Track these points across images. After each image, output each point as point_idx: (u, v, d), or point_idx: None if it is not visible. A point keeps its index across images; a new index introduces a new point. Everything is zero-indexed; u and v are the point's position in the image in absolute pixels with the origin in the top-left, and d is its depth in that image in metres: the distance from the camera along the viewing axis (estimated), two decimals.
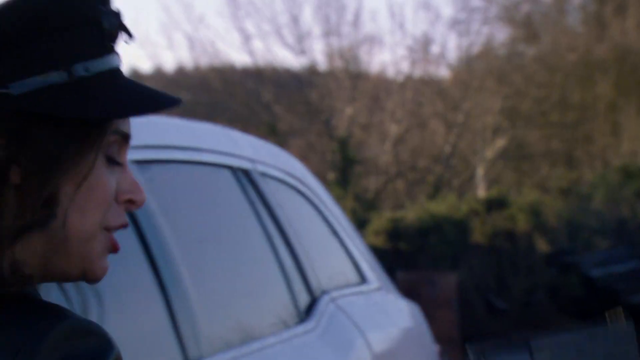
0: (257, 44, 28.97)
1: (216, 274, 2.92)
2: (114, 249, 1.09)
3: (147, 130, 2.84)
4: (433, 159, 18.06)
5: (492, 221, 12.08)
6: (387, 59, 33.11)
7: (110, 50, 1.09)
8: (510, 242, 12.24)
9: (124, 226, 1.10)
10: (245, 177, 3.21)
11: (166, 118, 3.12)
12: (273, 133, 16.80)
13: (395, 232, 11.46)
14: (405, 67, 18.26)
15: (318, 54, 22.28)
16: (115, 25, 1.10)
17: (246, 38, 17.13)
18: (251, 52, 17.18)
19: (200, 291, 2.68)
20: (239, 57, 31.51)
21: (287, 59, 30.35)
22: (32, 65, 1.05)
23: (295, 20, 17.12)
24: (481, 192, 16.00)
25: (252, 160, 3.29)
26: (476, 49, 17.92)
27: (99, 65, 1.08)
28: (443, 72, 19.00)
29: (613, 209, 13.48)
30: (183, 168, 2.91)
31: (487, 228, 11.99)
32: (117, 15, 1.10)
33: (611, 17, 15.78)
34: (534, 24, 16.88)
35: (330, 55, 17.77)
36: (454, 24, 17.52)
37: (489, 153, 17.00)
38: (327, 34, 17.46)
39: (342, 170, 16.38)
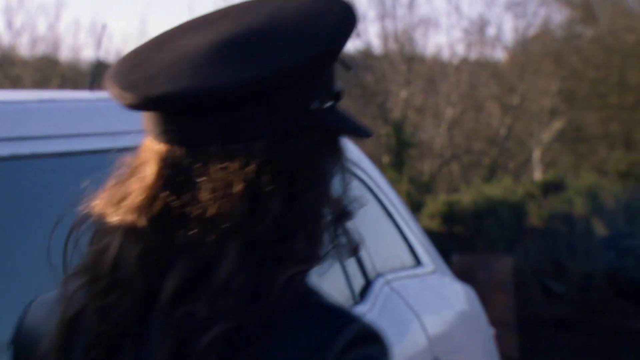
0: None
1: None
2: None
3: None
4: (488, 141, 17.94)
5: (549, 204, 11.98)
6: (442, 41, 32.92)
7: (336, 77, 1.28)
8: (568, 226, 12.12)
9: None
10: None
11: None
12: None
13: (451, 216, 11.42)
14: (460, 49, 18.18)
15: (373, 37, 22.23)
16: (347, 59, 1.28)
17: None
18: None
19: None
20: None
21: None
22: (321, 91, 1.22)
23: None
24: (537, 175, 15.86)
25: None
26: (533, 31, 17.75)
27: (338, 87, 1.26)
28: (499, 55, 18.85)
29: None
30: None
31: (544, 211, 11.89)
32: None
33: None
34: (592, 5, 16.67)
35: (385, 38, 17.71)
36: (511, 5, 17.37)
37: (546, 136, 16.84)
38: (382, 16, 17.41)
39: (397, 154, 16.34)
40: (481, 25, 17.51)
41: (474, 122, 18.51)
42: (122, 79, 1.21)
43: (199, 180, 1.17)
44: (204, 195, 1.16)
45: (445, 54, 18.77)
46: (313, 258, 1.19)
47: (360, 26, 17.51)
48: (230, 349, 1.13)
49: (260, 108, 1.18)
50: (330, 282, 3.19)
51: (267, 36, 1.20)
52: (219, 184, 1.16)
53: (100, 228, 1.23)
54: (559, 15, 18.59)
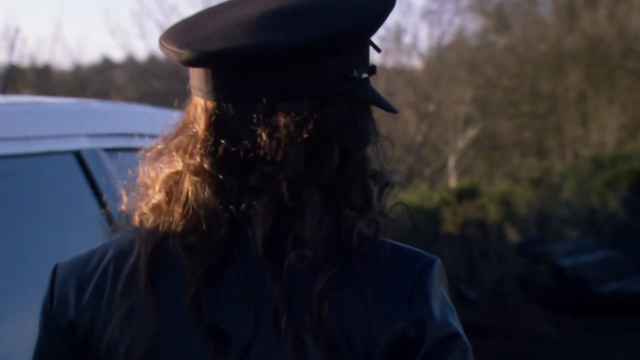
0: None
1: None
2: None
3: (118, 119, 2.83)
4: (405, 148, 18.07)
5: (463, 211, 12.10)
6: None
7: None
8: (481, 232, 12.27)
9: None
10: None
11: (137, 106, 3.10)
12: None
13: None
14: (377, 57, 18.26)
15: None
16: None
17: None
18: None
19: None
20: None
21: None
22: (360, 62, 1.33)
23: None
24: (452, 182, 16.03)
25: None
26: (448, 39, 17.93)
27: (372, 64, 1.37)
28: (415, 62, 19.02)
29: (583, 198, 13.56)
30: None
31: (458, 218, 12.00)
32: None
33: (582, 8, 15.85)
34: (505, 15, 16.93)
35: None
36: (426, 14, 17.54)
37: (461, 143, 17.04)
38: None
39: None
40: (397, 33, 17.65)
41: (390, 129, 18.63)
42: (179, 39, 1.31)
43: (256, 128, 1.27)
44: (266, 142, 1.27)
45: None
46: (374, 211, 1.32)
47: None
48: (338, 288, 1.25)
49: (306, 70, 1.28)
50: None
51: (315, 7, 1.30)
52: (281, 133, 1.27)
53: (158, 172, 1.33)
54: (473, 24, 18.83)
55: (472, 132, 16.99)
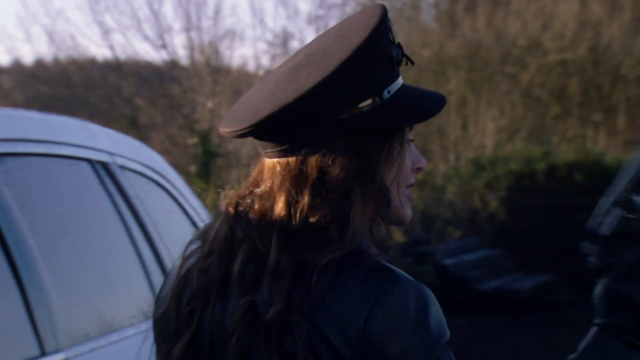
0: (118, 38, 28.54)
1: (75, 266, 2.95)
2: (410, 200, 1.58)
3: (2, 124, 2.84)
4: None
5: None
6: (248, 53, 33.12)
7: (399, 73, 1.54)
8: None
9: (414, 185, 1.58)
10: (104, 170, 3.25)
11: (23, 112, 3.13)
12: (134, 127, 16.64)
13: None
14: (265, 61, 18.35)
15: (179, 48, 22.14)
16: (400, 54, 1.53)
17: (106, 32, 16.90)
18: (111, 46, 16.98)
19: (58, 284, 2.70)
20: (99, 51, 30.96)
21: (148, 53, 30.00)
22: (357, 96, 1.49)
23: (155, 14, 17.01)
24: None
25: (111, 154, 3.32)
26: None
27: (394, 87, 1.52)
28: None
29: (465, 200, 13.91)
30: (40, 161, 2.93)
31: None
32: (399, 46, 1.53)
33: (462, 15, 16.25)
34: (389, 20, 17.19)
35: (191, 50, 17.73)
36: (313, 19, 17.72)
37: None
38: (188, 28, 17.43)
39: (204, 164, 16.37)
40: (284, 38, 17.80)
41: None
42: (225, 119, 1.59)
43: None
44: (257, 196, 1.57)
45: (251, 66, 18.93)
46: (344, 246, 1.45)
47: (166, 37, 17.47)
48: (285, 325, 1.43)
49: (297, 126, 1.49)
50: (134, 290, 3.24)
51: (313, 58, 1.50)
52: (267, 186, 1.57)
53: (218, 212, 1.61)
54: None
55: None
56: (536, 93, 15.76)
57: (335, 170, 1.48)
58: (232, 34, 17.70)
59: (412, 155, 1.57)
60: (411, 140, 1.58)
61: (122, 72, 17.52)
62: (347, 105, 1.48)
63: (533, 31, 15.94)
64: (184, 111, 17.26)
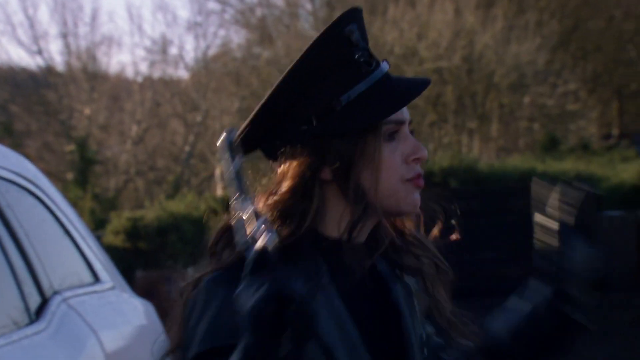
0: None
1: None
2: (418, 187, 1.59)
3: None
4: (173, 158, 18.10)
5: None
6: (126, 59, 32.72)
7: (367, 73, 1.56)
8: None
9: (419, 175, 1.59)
10: None
11: None
12: (9, 133, 16.29)
13: (135, 232, 11.44)
14: (144, 68, 18.25)
15: (55, 54, 21.74)
16: (366, 56, 1.56)
17: None
18: None
19: None
20: None
21: (23, 59, 29.40)
22: (319, 104, 1.54)
23: (30, 20, 16.69)
24: (220, 191, 16.23)
25: None
26: (213, 51, 18.13)
27: (358, 89, 1.55)
28: (182, 73, 19.08)
29: None
30: None
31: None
32: (365, 49, 1.56)
33: None
34: (268, 28, 17.27)
35: (67, 56, 17.46)
36: (191, 26, 17.69)
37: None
38: (64, 34, 17.15)
39: (81, 171, 16.14)
40: (163, 44, 17.70)
41: (158, 139, 18.61)
42: None
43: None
44: None
45: (129, 72, 18.74)
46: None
47: (42, 43, 17.14)
48: None
49: (273, 137, 1.59)
50: (4, 299, 3.19)
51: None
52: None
53: None
54: (237, 37, 19.07)
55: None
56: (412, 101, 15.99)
57: (294, 174, 1.55)
58: (110, 40, 17.53)
59: (406, 147, 1.59)
60: (411, 132, 1.61)
61: None
62: (310, 111, 1.55)
63: (409, 40, 16.22)
64: (61, 118, 16.97)
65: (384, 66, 1.59)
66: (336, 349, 1.51)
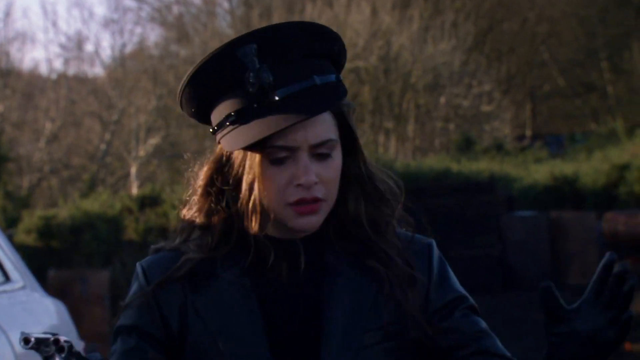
0: None
1: None
2: (302, 213, 1.60)
3: None
4: (88, 157, 17.90)
5: (145, 218, 12.19)
6: (40, 56, 32.25)
7: (253, 96, 1.58)
8: (164, 239, 12.41)
9: (303, 200, 1.59)
10: None
11: None
12: None
13: (48, 231, 11.27)
14: (58, 64, 18.01)
15: None
16: (261, 78, 1.57)
17: None
18: None
19: None
20: None
21: None
22: (216, 116, 1.61)
23: None
24: (135, 189, 16.10)
25: None
26: (130, 49, 17.98)
27: (242, 111, 1.58)
28: (98, 71, 18.89)
29: None
30: None
31: (141, 225, 12.08)
32: (260, 70, 1.57)
33: (258, 21, 16.43)
34: (185, 26, 17.21)
35: None
36: (107, 23, 17.50)
37: (142, 151, 17.12)
38: None
39: None
40: (79, 41, 17.48)
41: (73, 137, 18.39)
42: None
43: None
44: None
45: (44, 69, 18.47)
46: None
47: None
48: None
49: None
50: None
51: None
52: None
53: None
54: (154, 35, 18.93)
55: (154, 141, 17.13)
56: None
57: (198, 180, 1.66)
58: (23, 37, 17.23)
59: (295, 170, 1.59)
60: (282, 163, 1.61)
61: None
62: (211, 120, 1.64)
63: None
64: None
65: (283, 91, 1.58)
66: (220, 335, 1.59)
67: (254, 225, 1.62)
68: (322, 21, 16.53)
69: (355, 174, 1.68)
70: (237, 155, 1.62)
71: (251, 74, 1.57)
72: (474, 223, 12.45)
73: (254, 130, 1.57)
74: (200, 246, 1.66)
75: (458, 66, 18.08)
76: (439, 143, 18.38)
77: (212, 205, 1.65)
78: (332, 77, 1.64)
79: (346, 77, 17.26)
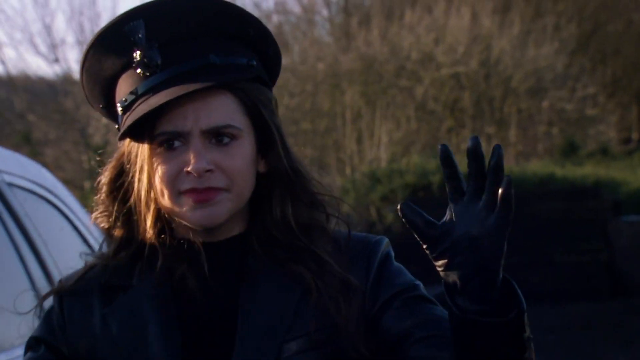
0: (9, 52, 28.06)
1: None
2: (197, 202, 1.50)
3: None
4: None
5: None
6: None
7: (144, 77, 1.49)
8: None
9: (194, 190, 1.49)
10: None
11: None
12: (27, 142, 16.36)
13: None
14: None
15: (73, 62, 21.84)
16: (151, 56, 1.49)
17: None
18: (2, 61, 16.70)
19: None
20: None
21: (41, 67, 29.56)
22: (115, 101, 1.56)
23: (47, 28, 16.78)
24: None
25: None
26: None
27: (129, 98, 1.51)
28: None
29: (362, 212, 14.04)
30: None
31: None
32: (151, 48, 1.49)
33: (356, 29, 16.43)
34: (285, 35, 17.32)
35: None
36: None
37: None
38: (81, 41, 17.23)
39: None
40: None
41: None
42: None
43: None
44: None
45: None
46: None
47: (59, 51, 17.23)
48: None
49: None
50: (24, 308, 3.19)
51: None
52: None
53: None
54: None
55: None
56: (430, 106, 16.00)
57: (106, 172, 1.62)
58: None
59: (185, 157, 1.50)
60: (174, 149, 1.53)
61: (14, 87, 17.21)
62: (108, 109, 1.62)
63: (426, 45, 16.20)
64: (78, 126, 17.04)
65: (172, 70, 1.49)
66: (121, 340, 1.51)
67: (149, 224, 1.53)
68: (422, 27, 16.45)
69: (279, 172, 1.55)
70: (132, 147, 1.54)
71: (138, 53, 1.48)
72: (580, 228, 12.25)
73: (136, 112, 1.49)
74: (103, 254, 1.58)
75: (561, 69, 17.79)
76: (542, 148, 18.11)
77: (116, 206, 1.58)
78: (242, 60, 1.53)
79: (446, 83, 17.16)
